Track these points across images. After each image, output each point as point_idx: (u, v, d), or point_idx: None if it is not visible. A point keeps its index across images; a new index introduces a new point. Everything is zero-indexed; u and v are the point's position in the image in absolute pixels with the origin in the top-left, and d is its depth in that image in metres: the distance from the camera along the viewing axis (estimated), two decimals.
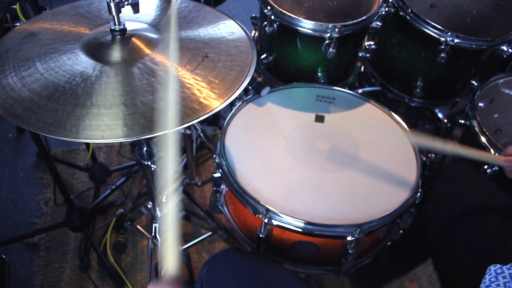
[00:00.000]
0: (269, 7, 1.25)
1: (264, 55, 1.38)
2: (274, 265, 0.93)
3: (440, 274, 1.04)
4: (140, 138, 0.68)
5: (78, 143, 1.90)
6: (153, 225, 1.24)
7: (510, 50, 1.24)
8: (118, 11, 0.79)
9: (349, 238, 0.92)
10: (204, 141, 1.81)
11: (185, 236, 1.61)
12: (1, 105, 0.70)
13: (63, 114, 0.69)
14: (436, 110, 1.56)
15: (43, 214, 1.66)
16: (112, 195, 1.70)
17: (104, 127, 0.68)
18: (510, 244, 0.89)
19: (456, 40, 1.20)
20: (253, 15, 1.45)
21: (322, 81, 1.33)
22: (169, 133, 0.62)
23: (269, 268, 0.91)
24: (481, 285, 0.67)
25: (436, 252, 1.02)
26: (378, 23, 1.29)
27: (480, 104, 1.24)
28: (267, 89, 1.18)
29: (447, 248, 0.97)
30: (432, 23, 1.21)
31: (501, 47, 1.24)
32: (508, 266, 0.66)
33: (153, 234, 1.26)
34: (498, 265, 0.67)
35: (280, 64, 1.39)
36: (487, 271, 0.68)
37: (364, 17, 1.23)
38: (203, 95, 0.75)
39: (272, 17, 1.25)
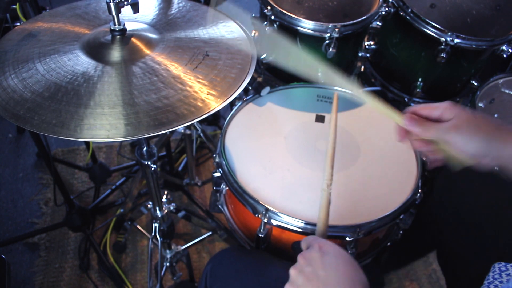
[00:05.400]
0: (269, 7, 1.25)
1: (264, 55, 1.38)
2: (277, 261, 0.93)
3: (444, 269, 1.04)
4: (145, 136, 0.68)
5: (78, 143, 1.90)
6: (153, 225, 1.24)
7: (510, 50, 1.24)
8: (118, 11, 0.79)
9: (348, 239, 0.92)
10: (204, 141, 1.81)
11: (185, 236, 1.61)
12: (3, 107, 0.70)
13: (66, 114, 0.69)
14: None
15: (43, 214, 1.67)
16: (112, 195, 1.70)
17: (109, 126, 0.68)
18: None
19: (456, 40, 1.20)
20: (253, 15, 1.45)
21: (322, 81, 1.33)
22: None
23: (272, 264, 0.91)
24: (485, 281, 0.67)
25: (440, 247, 1.01)
26: (378, 23, 1.29)
27: (480, 104, 1.24)
28: (267, 89, 1.18)
29: (451, 243, 0.96)
30: (432, 23, 1.21)
31: (501, 47, 1.24)
32: None
33: (153, 234, 1.26)
34: (503, 263, 0.67)
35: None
36: (492, 268, 0.68)
37: (364, 17, 1.23)
38: (204, 94, 0.75)
39: (272, 17, 1.25)
